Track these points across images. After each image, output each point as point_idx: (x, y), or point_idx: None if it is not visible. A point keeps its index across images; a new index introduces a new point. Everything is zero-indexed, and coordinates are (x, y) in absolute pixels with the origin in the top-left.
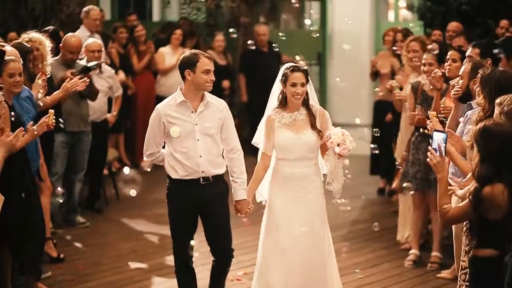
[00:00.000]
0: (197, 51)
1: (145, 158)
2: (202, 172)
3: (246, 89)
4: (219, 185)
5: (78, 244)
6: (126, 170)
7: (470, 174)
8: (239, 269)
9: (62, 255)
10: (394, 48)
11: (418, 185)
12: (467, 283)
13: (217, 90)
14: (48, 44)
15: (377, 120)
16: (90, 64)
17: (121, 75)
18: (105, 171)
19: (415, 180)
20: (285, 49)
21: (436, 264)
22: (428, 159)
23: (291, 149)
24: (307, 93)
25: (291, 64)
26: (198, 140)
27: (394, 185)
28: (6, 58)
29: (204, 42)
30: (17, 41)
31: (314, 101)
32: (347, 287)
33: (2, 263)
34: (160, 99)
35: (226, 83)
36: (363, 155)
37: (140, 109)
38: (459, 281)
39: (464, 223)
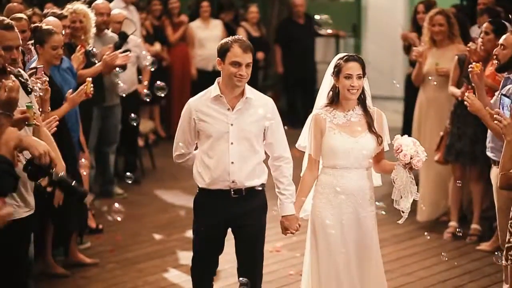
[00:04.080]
0: (236, 37)
1: (174, 160)
2: (233, 182)
3: (282, 61)
4: (254, 198)
5: (116, 215)
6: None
7: None
8: (277, 240)
9: (101, 226)
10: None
11: (464, 159)
12: None
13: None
14: (92, 16)
15: (409, 92)
16: (129, 30)
17: (157, 46)
18: (141, 143)
19: (462, 154)
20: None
21: (476, 236)
22: (495, 122)
23: (346, 155)
24: (363, 90)
25: (344, 53)
26: (232, 143)
27: (436, 158)
28: (50, 28)
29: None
30: (54, 10)
31: (370, 100)
32: (387, 259)
33: (43, 233)
34: (199, 71)
35: (260, 55)
36: (398, 128)
37: (176, 80)
38: (506, 255)
39: None
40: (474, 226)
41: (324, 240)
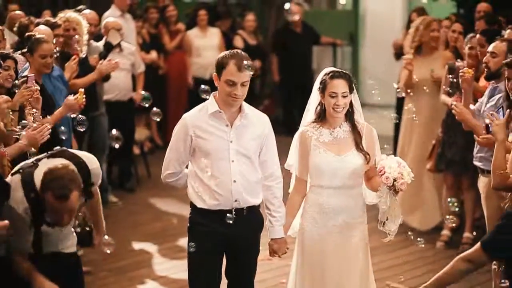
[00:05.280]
0: (234, 52)
1: (163, 179)
2: (235, 201)
3: (278, 69)
4: (253, 218)
5: (109, 223)
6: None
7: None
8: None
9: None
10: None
11: (454, 167)
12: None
13: None
14: (85, 24)
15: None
16: (115, 41)
17: (153, 54)
18: (137, 151)
19: (452, 163)
20: (317, 30)
21: (468, 245)
22: (488, 121)
23: (331, 174)
24: (351, 105)
25: (331, 69)
26: (233, 161)
27: (428, 166)
28: (40, 37)
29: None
30: (47, 18)
31: (359, 115)
32: (379, 267)
33: None
34: (196, 80)
35: (257, 63)
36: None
37: (173, 88)
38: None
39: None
40: (467, 234)
41: (309, 259)
